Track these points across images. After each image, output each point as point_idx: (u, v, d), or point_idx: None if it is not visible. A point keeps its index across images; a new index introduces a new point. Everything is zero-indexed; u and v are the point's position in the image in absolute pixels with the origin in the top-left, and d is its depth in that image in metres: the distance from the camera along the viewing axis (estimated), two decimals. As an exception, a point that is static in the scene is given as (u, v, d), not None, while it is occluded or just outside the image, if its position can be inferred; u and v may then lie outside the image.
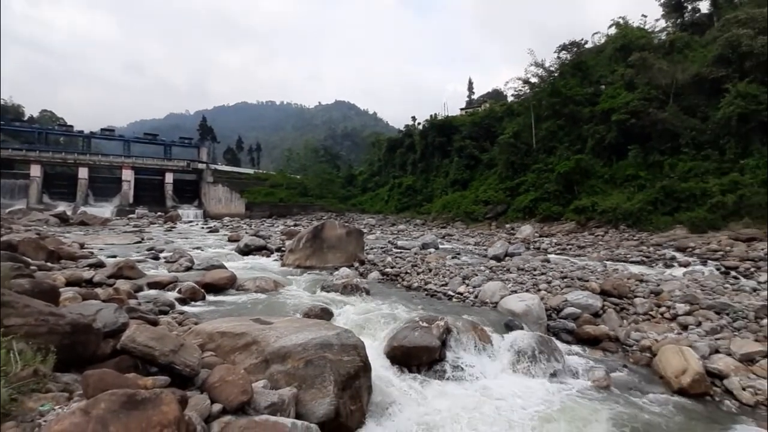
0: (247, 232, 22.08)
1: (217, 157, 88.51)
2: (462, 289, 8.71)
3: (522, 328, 6.18)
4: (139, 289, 7.45)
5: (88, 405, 1.96)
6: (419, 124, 51.22)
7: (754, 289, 8.38)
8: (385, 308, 7.11)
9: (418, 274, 10.36)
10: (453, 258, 12.99)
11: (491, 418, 4.00)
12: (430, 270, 10.54)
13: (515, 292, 8.02)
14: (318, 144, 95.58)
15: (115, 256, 11.36)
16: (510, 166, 32.09)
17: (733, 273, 11.08)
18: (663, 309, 6.95)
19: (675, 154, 23.34)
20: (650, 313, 6.96)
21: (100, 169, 46.33)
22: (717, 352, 5.44)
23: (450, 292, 8.60)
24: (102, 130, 53.49)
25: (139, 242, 16.90)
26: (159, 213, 39.51)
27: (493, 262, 12.06)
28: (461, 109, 61.96)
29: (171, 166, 48.13)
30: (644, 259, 13.91)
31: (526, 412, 4.18)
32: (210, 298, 7.60)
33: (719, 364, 5.11)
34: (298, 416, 3.34)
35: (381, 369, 4.87)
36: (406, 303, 7.75)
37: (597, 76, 33.73)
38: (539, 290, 8.25)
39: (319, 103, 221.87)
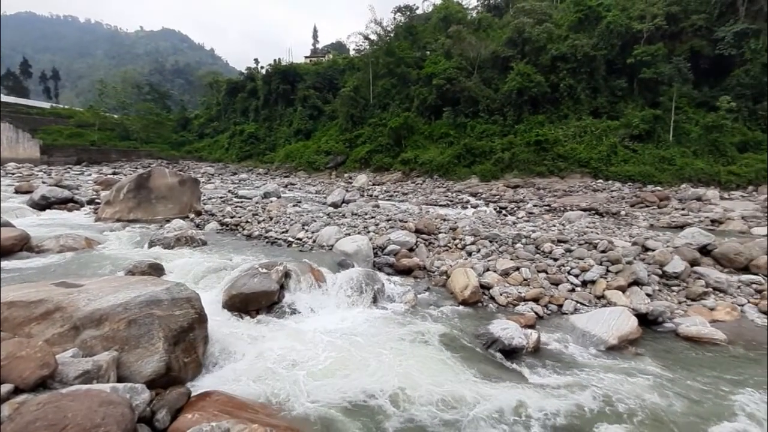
0: (44, 182, 17.27)
1: (-12, 82, 64.76)
2: (302, 234, 8.87)
3: (353, 266, 6.74)
4: None
5: None
6: (262, 68, 46.86)
7: (514, 223, 11.01)
8: (224, 258, 6.77)
9: (259, 222, 10.04)
10: (294, 206, 12.96)
11: (322, 346, 4.39)
12: (271, 218, 10.33)
13: (349, 234, 8.59)
14: (142, 78, 78.26)
15: None
16: (350, 119, 32.78)
17: (503, 212, 14.30)
18: (457, 241, 8.52)
19: (475, 118, 27.65)
20: (449, 244, 8.46)
21: None
22: (488, 270, 7.04)
23: (290, 239, 8.67)
24: None
25: None
26: None
27: (331, 209, 12.54)
28: (306, 57, 59.02)
29: None
30: (449, 202, 16.66)
31: (351, 337, 4.73)
32: (-10, 264, 5.88)
33: (488, 278, 6.67)
34: (121, 379, 3.07)
35: (219, 318, 4.74)
36: (245, 252, 7.52)
37: (424, 41, 36.35)
38: (369, 232, 9.01)
39: (141, 28, 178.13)
